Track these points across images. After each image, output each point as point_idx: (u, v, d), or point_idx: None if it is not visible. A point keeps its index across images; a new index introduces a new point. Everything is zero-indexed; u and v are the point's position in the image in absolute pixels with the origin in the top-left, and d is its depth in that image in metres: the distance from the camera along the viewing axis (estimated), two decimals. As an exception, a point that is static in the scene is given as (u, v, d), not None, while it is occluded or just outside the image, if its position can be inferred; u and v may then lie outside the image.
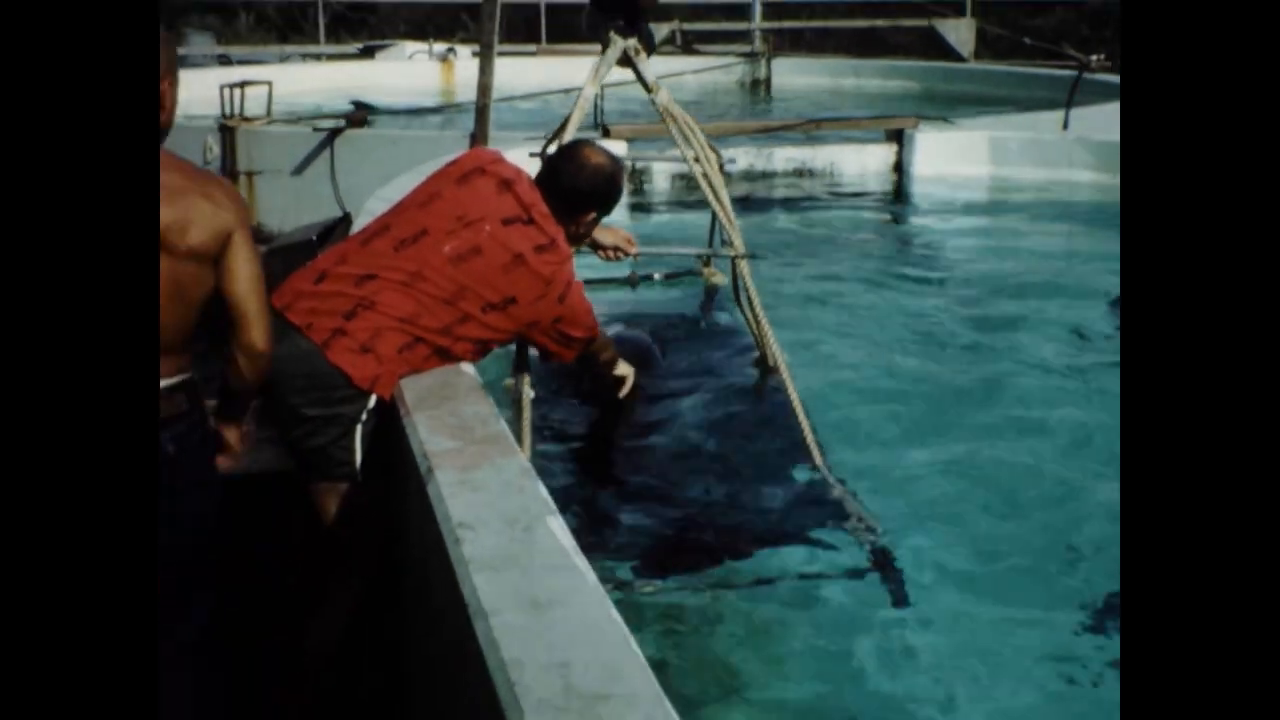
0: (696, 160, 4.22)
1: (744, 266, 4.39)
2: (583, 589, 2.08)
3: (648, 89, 4.19)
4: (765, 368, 4.60)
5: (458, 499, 2.42)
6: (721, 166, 4.35)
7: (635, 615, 3.61)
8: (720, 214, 4.28)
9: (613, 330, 4.83)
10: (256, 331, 2.77)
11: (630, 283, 6.10)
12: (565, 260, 3.31)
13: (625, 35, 4.12)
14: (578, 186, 3.38)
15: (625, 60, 4.16)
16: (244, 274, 2.70)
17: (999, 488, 4.28)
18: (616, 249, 4.01)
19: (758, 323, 4.41)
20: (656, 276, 6.35)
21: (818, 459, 4.10)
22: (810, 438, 4.10)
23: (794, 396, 4.15)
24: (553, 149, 3.98)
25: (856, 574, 3.69)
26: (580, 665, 1.82)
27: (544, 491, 2.49)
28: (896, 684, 3.32)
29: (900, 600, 3.54)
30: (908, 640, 3.48)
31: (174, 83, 2.52)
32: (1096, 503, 4.13)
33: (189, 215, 2.57)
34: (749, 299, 4.43)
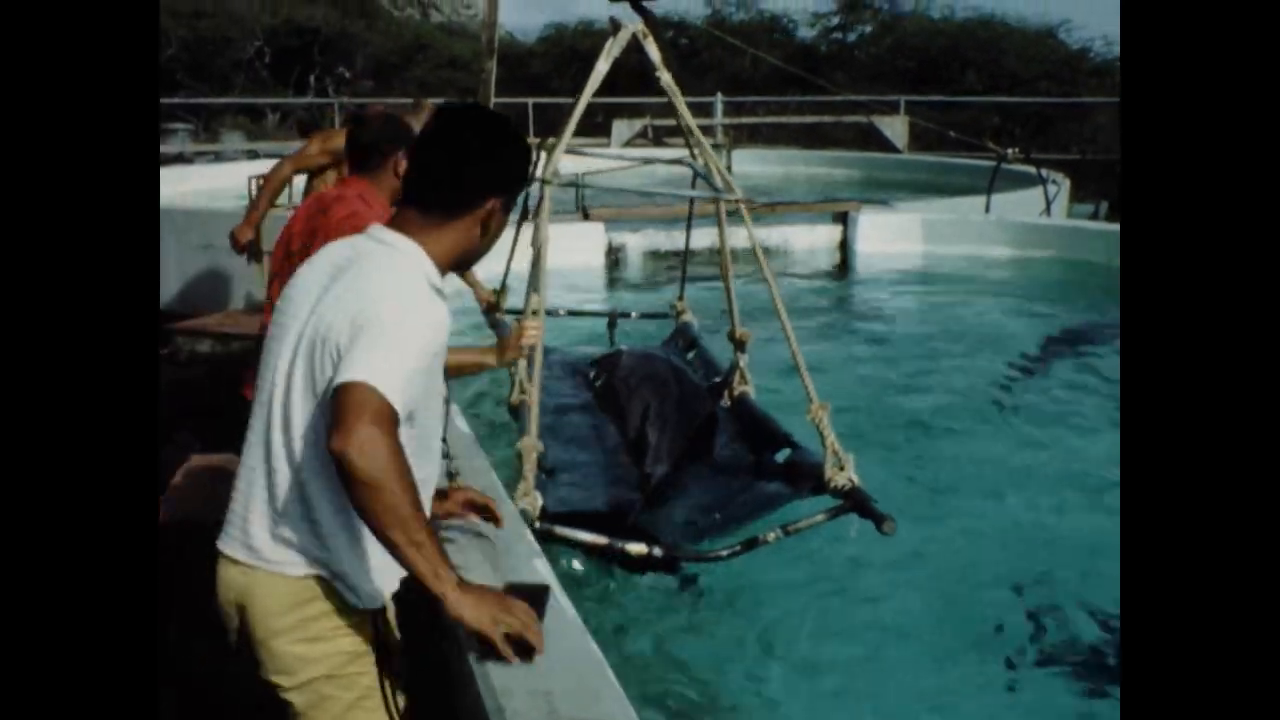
0: (690, 133, 4.30)
1: (744, 211, 4.32)
2: (564, 623, 2.06)
3: (654, 70, 4.12)
4: (736, 341, 4.48)
5: (454, 543, 2.41)
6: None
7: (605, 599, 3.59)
8: (713, 166, 4.26)
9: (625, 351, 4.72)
10: None
11: (609, 321, 5.98)
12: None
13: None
14: None
15: (634, 43, 4.07)
16: None
17: (942, 485, 4.64)
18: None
19: (759, 263, 4.27)
20: (633, 315, 6.27)
21: (809, 386, 3.84)
22: (801, 363, 3.89)
23: (785, 322, 3.99)
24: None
25: (836, 518, 3.51)
26: (562, 692, 1.81)
27: (530, 536, 2.48)
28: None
29: (880, 523, 3.37)
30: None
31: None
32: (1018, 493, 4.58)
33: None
34: (722, 254, 4.39)
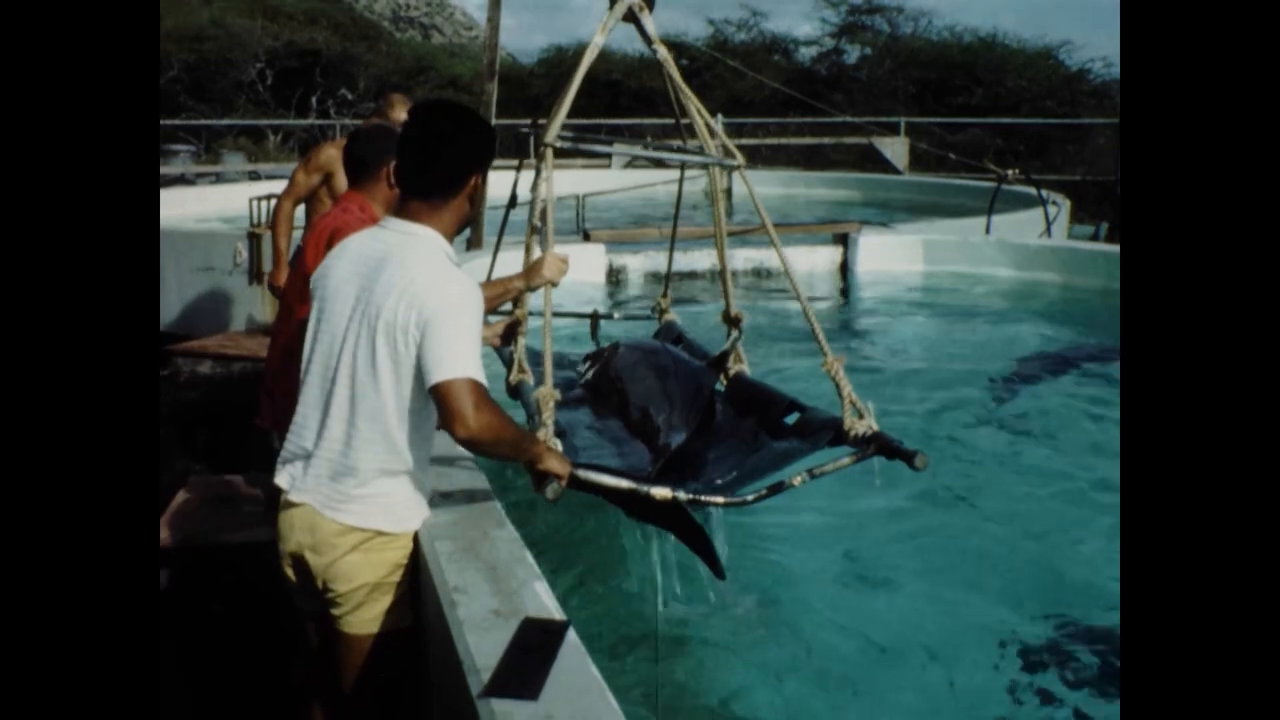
0: (689, 100, 4.16)
1: (742, 176, 4.18)
2: (564, 646, 2.06)
3: (649, 43, 4.08)
4: (731, 320, 4.38)
5: (454, 565, 2.41)
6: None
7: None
8: (706, 133, 4.22)
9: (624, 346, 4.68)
10: None
11: (591, 321, 5.87)
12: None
13: None
14: None
15: (630, 16, 4.01)
16: None
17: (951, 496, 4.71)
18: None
19: (763, 221, 4.12)
20: (616, 316, 6.13)
21: (821, 339, 3.78)
22: (812, 317, 3.82)
23: (794, 281, 3.95)
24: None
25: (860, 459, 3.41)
26: (563, 717, 1.81)
27: (531, 559, 2.48)
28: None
29: (911, 459, 3.27)
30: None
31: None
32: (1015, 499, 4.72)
33: None
34: (718, 226, 4.34)
